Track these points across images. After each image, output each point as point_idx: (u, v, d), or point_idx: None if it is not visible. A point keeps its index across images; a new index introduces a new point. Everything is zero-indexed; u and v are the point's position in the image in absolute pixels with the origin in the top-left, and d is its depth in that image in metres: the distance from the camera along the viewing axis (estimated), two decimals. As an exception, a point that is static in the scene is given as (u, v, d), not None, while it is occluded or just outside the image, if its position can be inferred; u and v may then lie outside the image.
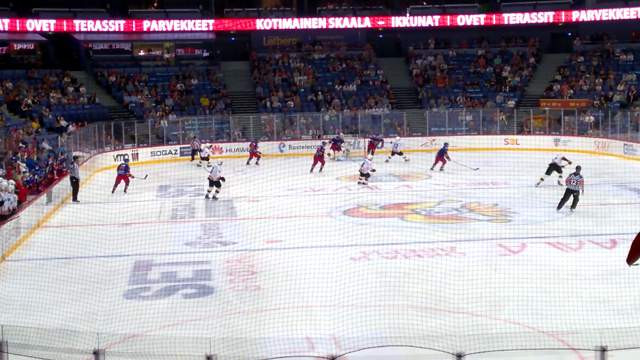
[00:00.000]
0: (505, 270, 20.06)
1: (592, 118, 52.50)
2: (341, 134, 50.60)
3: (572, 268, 20.08)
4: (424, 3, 67.99)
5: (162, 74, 60.24)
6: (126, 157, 42.09)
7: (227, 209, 31.39)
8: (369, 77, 61.67)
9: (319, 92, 58.88)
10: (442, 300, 17.41)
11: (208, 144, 47.17)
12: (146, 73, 59.68)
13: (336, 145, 47.50)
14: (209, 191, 33.65)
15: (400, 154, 45.06)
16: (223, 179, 33.68)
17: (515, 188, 34.11)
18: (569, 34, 64.87)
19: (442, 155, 41.23)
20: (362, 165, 37.04)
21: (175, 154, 49.08)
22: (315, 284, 18.08)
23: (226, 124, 53.44)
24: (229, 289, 19.14)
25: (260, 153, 45.92)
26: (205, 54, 65.41)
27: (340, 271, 19.00)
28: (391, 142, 46.66)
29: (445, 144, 42.09)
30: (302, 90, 59.56)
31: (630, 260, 2.56)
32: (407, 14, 65.82)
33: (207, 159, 44.80)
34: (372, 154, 45.07)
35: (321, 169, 41.36)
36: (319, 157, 41.61)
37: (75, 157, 34.55)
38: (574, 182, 28.71)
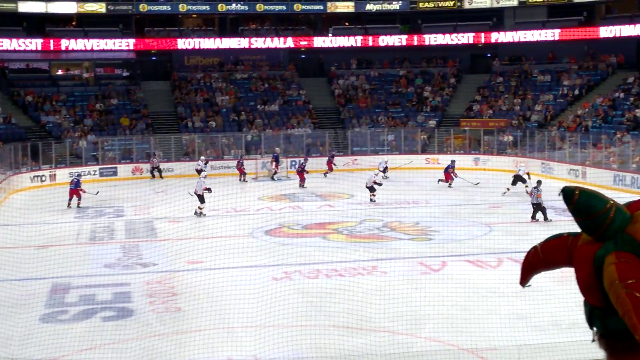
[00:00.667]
0: (426, 288, 20.16)
1: (510, 137, 53.30)
2: (277, 149, 50.52)
3: (492, 285, 20.28)
4: (346, 24, 68.37)
5: (81, 93, 59.48)
6: (78, 173, 41.91)
7: (148, 229, 31.08)
8: (291, 97, 61.76)
9: (241, 112, 58.75)
10: (364, 319, 17.43)
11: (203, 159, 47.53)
12: (64, 93, 58.82)
13: (277, 161, 47.71)
14: (200, 208, 33.76)
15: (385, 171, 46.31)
16: (209, 189, 33.93)
17: (436, 207, 34.41)
18: (489, 55, 65.86)
19: (447, 170, 42.25)
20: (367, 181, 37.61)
21: (94, 174, 48.39)
22: (237, 304, 17.98)
23: (147, 145, 52.95)
24: (149, 311, 18.91)
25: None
26: (126, 74, 64.81)
27: (263, 291, 18.93)
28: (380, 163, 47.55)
29: (452, 161, 43.21)
30: (224, 110, 59.37)
31: (523, 281, 2.55)
32: (330, 35, 66.12)
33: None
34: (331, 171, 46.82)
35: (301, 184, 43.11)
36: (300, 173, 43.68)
37: None
38: (534, 195, 29.64)
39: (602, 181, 39.84)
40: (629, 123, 49.44)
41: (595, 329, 2.10)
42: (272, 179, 47.10)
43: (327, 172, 48.21)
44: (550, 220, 30.07)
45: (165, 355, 15.31)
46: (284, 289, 19.90)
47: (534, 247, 2.23)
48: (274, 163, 48.25)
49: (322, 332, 16.69)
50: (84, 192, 36.99)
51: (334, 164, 49.35)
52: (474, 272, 22.46)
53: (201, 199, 33.52)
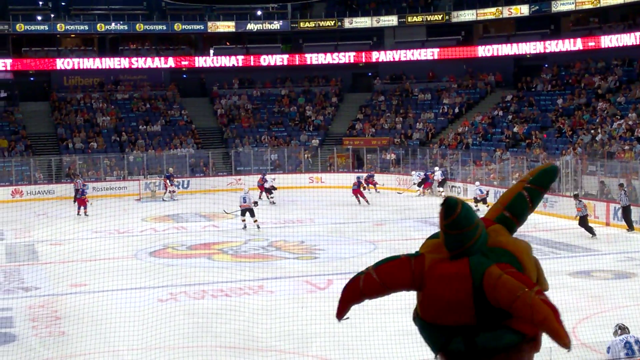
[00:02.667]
0: (313, 306, 20.24)
1: (393, 155, 54.08)
2: (170, 168, 49.98)
3: (378, 302, 20.27)
4: (227, 43, 68.39)
5: (-43, 115, 58.08)
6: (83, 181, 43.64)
7: (29, 253, 30.45)
8: (173, 117, 61.41)
9: (123, 133, 58.15)
10: (252, 338, 17.42)
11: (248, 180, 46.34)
12: (-60, 114, 57.41)
13: (170, 182, 47.11)
14: (243, 221, 34.48)
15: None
16: (256, 203, 34.92)
17: (320, 225, 34.67)
18: (370, 74, 66.63)
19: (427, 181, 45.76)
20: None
21: (-28, 197, 47.25)
22: (123, 327, 17.76)
23: (26, 167, 51.89)
24: (32, 336, 18.54)
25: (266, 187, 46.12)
26: (3, 95, 63.41)
27: (148, 313, 18.74)
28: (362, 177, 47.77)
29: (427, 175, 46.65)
30: (106, 130, 58.68)
31: (342, 314, 2.26)
32: (211, 54, 66.03)
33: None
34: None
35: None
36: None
37: None
38: None
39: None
40: (508, 140, 50.71)
41: (439, 353, 2.12)
42: (163, 199, 46.35)
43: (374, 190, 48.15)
44: None
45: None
46: (170, 310, 19.76)
47: (365, 273, 2.07)
48: (166, 182, 47.53)
49: (210, 352, 16.64)
50: (88, 200, 40.81)
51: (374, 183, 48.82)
52: (359, 289, 22.62)
53: (251, 211, 34.60)
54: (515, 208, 2.13)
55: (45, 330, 19.03)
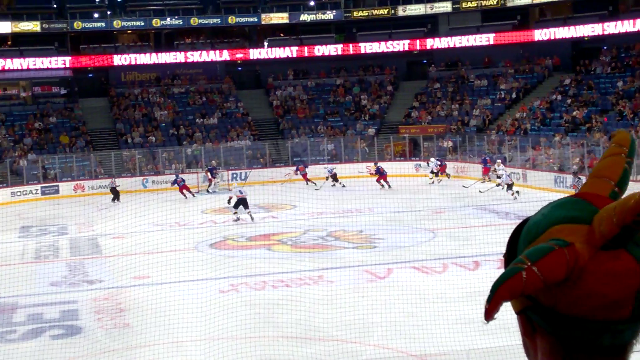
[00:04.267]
0: (373, 295, 20.31)
1: (450, 143, 53.81)
2: (213, 162, 50.61)
3: (438, 290, 20.49)
4: (281, 34, 68.54)
5: (19, 112, 58.99)
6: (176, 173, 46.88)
7: (92, 246, 30.91)
8: (229, 110, 61.75)
9: (180, 126, 58.63)
10: (312, 328, 17.51)
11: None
12: (3, 112, 58.35)
13: (212, 174, 47.73)
14: (235, 213, 35.43)
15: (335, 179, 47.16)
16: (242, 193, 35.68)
17: (379, 214, 34.63)
18: (425, 61, 66.45)
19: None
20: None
21: (36, 193, 48.04)
22: (185, 318, 18.01)
23: (87, 162, 52.61)
24: (98, 328, 18.84)
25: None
26: (63, 92, 64.33)
27: (210, 304, 18.95)
28: (325, 167, 48.64)
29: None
30: (163, 124, 59.21)
31: (491, 315, 2.14)
32: (265, 46, 66.23)
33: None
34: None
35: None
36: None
37: None
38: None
39: (542, 183, 40.44)
40: (567, 125, 50.06)
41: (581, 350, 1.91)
42: (207, 191, 47.02)
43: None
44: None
45: (116, 372, 15.30)
46: (231, 301, 19.93)
47: (524, 269, 1.75)
48: (208, 175, 48.36)
49: (271, 343, 16.76)
50: (189, 189, 45.05)
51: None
52: (419, 278, 22.65)
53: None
54: (624, 184, 1.92)
55: (110, 322, 19.32)
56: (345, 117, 61.22)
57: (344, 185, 46.54)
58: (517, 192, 38.89)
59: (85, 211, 40.55)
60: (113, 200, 44.41)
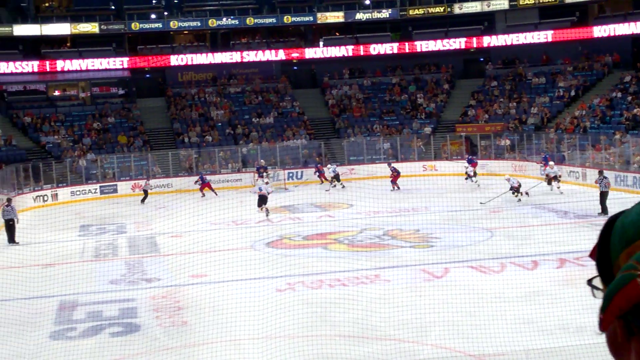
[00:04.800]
0: (430, 295, 20.21)
1: (507, 141, 53.39)
2: (262, 161, 50.80)
3: (496, 290, 20.31)
4: (337, 33, 68.55)
5: (78, 113, 59.75)
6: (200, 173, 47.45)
7: (150, 245, 31.16)
8: (285, 109, 61.93)
9: (237, 126, 58.92)
10: (369, 327, 17.47)
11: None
12: (62, 113, 59.15)
13: (260, 173, 47.85)
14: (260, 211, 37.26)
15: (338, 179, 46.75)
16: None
17: (435, 214, 34.47)
18: (481, 59, 66.04)
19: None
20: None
21: (95, 192, 48.59)
22: (242, 316, 18.06)
23: (145, 161, 53.10)
24: (156, 326, 18.96)
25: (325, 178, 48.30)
26: (121, 92, 65.01)
27: (267, 303, 19.00)
28: (328, 167, 48.46)
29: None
30: (220, 124, 59.55)
31: (607, 326, 2.00)
32: (321, 45, 66.30)
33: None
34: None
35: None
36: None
37: (9, 199, 34.24)
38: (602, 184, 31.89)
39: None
40: (627, 122, 49.38)
41: None
42: (250, 191, 47.08)
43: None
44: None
45: (174, 370, 15.38)
46: (288, 300, 19.95)
47: (638, 276, 1.64)
48: (256, 175, 48.50)
49: (328, 341, 16.74)
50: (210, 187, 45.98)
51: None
52: (477, 277, 22.48)
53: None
54: None
55: (168, 320, 19.43)
56: (401, 115, 61.07)
57: (343, 186, 46.89)
58: (527, 193, 38.73)
59: (143, 210, 40.98)
60: (142, 201, 44.65)
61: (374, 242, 29.43)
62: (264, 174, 48.40)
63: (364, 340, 16.79)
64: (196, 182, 46.50)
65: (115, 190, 49.34)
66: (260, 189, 37.46)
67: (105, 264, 27.67)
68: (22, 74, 60.54)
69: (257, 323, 17.76)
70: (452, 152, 55.27)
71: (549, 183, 40.74)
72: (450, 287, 21.05)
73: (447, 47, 64.83)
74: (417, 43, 65.28)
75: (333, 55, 65.23)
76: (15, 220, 33.26)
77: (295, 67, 67.02)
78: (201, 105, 61.65)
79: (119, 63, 62.42)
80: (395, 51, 65.57)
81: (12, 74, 59.99)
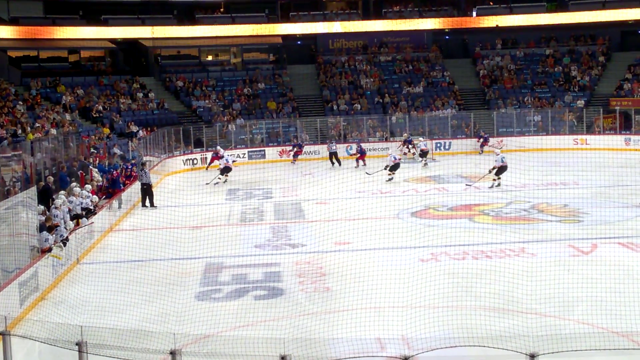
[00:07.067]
0: (577, 270, 19.84)
1: (664, 117, 51.80)
2: (405, 134, 50.63)
3: (646, 267, 19.83)
4: (491, 3, 67.55)
5: (229, 78, 60.77)
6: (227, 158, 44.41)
7: (296, 211, 31.49)
8: (435, 79, 61.53)
9: (386, 95, 58.89)
10: (513, 301, 17.31)
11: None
12: (213, 78, 60.28)
13: (408, 146, 47.75)
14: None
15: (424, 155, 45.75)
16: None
17: (585, 188, 33.72)
18: (640, 31, 64.04)
19: None
20: None
21: (243, 157, 49.40)
22: (385, 285, 18.11)
23: (293, 127, 53.66)
24: (299, 291, 19.20)
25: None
26: (272, 58, 65.72)
27: (410, 272, 19.02)
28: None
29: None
30: (369, 92, 59.63)
31: None
32: (474, 15, 65.49)
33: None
34: None
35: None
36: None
37: (144, 163, 34.38)
38: None
39: None
40: None
41: None
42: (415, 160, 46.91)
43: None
44: None
45: (316, 333, 15.55)
46: (431, 270, 19.89)
47: None
48: (405, 146, 48.29)
49: (471, 313, 16.67)
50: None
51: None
52: (626, 254, 21.95)
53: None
54: None
55: (311, 286, 19.64)
56: (554, 88, 59.88)
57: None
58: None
59: (289, 176, 41.44)
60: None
61: (521, 215, 29.02)
62: (411, 146, 48.20)
63: (507, 313, 16.63)
64: (212, 161, 45.66)
65: (264, 156, 50.07)
66: (394, 158, 37.89)
67: (251, 228, 28.10)
68: (175, 38, 61.80)
69: (399, 292, 17.79)
70: (605, 126, 53.87)
71: None
72: (597, 264, 20.59)
73: (604, 19, 63.01)
74: (573, 14, 63.72)
75: (486, 25, 64.34)
76: (150, 184, 33.40)
77: (446, 37, 66.38)
78: (351, 73, 61.83)
79: (270, 30, 63.06)
80: (550, 22, 64.18)
81: (166, 38, 61.32)
